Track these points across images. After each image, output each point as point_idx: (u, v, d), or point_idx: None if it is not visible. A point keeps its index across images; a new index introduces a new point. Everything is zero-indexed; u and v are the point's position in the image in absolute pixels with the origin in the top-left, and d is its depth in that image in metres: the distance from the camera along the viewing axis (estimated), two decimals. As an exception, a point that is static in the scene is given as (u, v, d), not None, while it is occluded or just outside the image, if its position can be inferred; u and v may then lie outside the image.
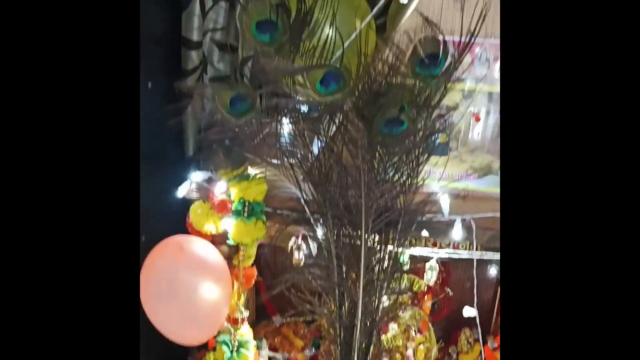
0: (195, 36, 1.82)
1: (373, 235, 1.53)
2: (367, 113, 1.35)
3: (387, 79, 1.34)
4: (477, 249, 1.70)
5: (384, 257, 1.59)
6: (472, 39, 1.35)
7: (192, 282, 1.54)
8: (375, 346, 1.60)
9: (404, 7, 1.70)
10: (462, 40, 1.39)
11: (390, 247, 1.57)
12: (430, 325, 2.19)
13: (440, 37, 1.32)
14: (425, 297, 2.18)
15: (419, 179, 1.50)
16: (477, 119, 1.66)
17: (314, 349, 2.22)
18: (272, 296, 2.03)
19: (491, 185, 1.71)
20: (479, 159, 1.70)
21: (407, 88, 1.35)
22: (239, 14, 1.38)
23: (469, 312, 1.82)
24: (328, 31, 1.44)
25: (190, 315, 1.56)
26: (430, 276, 1.84)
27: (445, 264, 2.17)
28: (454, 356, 2.27)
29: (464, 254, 1.76)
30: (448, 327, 2.32)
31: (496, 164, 1.69)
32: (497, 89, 1.64)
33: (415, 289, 2.15)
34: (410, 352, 2.14)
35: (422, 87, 1.35)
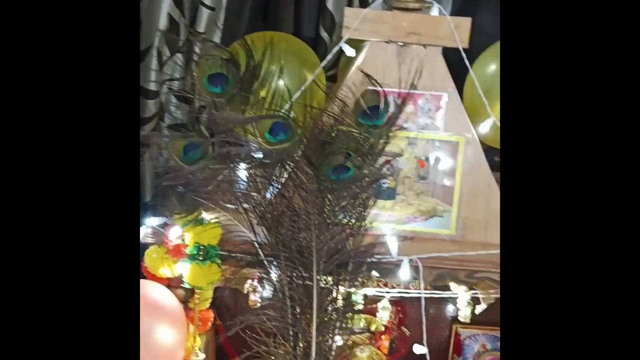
0: (152, 86, 1.90)
1: (325, 276, 1.59)
2: (315, 160, 1.43)
3: (332, 129, 1.43)
4: (425, 288, 1.77)
5: (336, 297, 1.64)
6: (411, 91, 1.46)
7: (147, 325, 1.56)
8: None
9: (354, 59, 1.81)
10: (403, 92, 1.50)
11: (342, 288, 1.63)
12: (387, 365, 2.23)
13: (381, 90, 1.42)
14: (383, 336, 2.23)
15: (366, 222, 1.58)
16: (422, 165, 1.75)
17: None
18: (230, 338, 2.05)
19: (437, 227, 1.80)
20: (425, 202, 1.79)
21: (352, 137, 1.44)
22: (193, 67, 1.46)
23: (419, 349, 1.87)
24: (278, 83, 1.53)
25: (145, 359, 1.58)
26: (383, 315, 1.90)
27: (401, 304, 2.23)
28: (409, 393, 2.31)
29: (413, 292, 1.83)
30: (404, 368, 2.36)
31: (441, 207, 1.78)
32: (439, 136, 1.75)
33: (372, 329, 2.20)
34: (367, 390, 2.17)
35: (366, 136, 1.44)
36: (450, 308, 2.27)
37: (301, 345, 1.65)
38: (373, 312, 2.17)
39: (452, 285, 1.84)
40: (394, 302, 2.22)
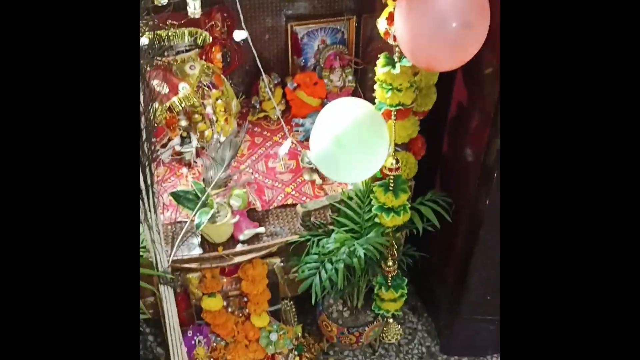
0: None
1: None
2: None
3: None
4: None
5: None
6: None
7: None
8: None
9: None
10: None
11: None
12: (224, 78, 2.10)
13: None
14: (213, 49, 2.05)
15: None
16: None
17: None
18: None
19: None
20: None
21: None
22: None
23: (240, 35, 1.72)
24: None
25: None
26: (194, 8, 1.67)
27: (226, 9, 2.03)
28: (258, 106, 2.23)
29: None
30: (247, 79, 2.25)
31: None
32: None
33: (199, 42, 2.00)
34: (209, 109, 2.05)
35: None
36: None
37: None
38: (197, 24, 1.96)
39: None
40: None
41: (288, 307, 2.15)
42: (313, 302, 1.75)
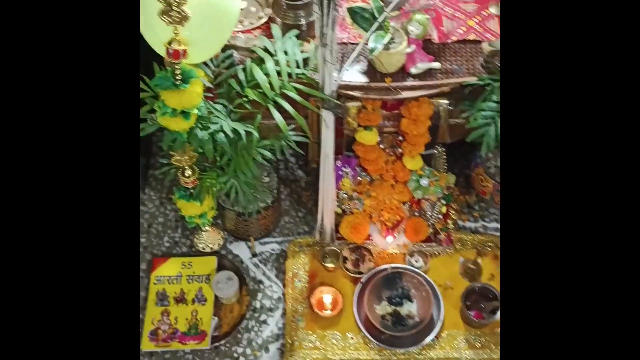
0: None
1: None
2: None
3: None
4: None
5: None
6: None
7: None
8: None
9: None
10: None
11: None
12: None
13: None
14: None
15: None
16: None
17: None
18: None
19: None
20: None
21: None
22: None
23: None
24: None
25: None
26: None
27: None
28: None
29: None
30: None
31: None
32: None
33: None
34: None
35: None
36: None
37: None
38: None
39: None
40: None
41: (439, 153, 2.01)
42: (483, 152, 1.59)
